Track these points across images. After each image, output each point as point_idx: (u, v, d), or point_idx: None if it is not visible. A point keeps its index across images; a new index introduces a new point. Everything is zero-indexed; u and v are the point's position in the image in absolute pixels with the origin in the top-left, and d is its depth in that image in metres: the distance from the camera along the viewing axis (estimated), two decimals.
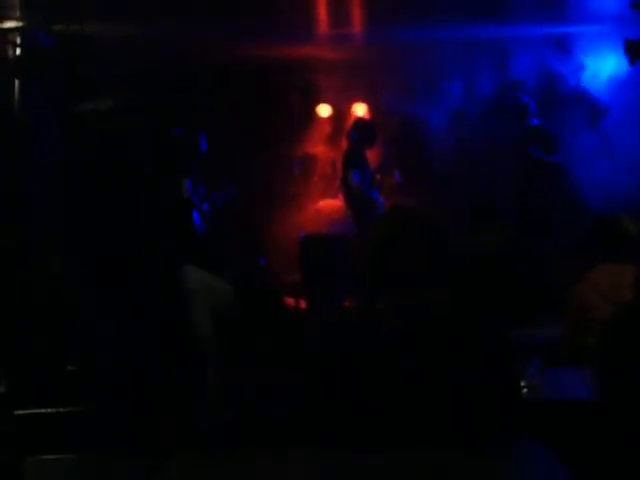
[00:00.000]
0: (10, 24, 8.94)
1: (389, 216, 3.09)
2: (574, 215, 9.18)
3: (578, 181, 9.48)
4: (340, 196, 10.38)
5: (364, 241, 9.17)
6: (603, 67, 9.67)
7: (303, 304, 8.97)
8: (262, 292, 6.21)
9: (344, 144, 10.33)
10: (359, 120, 10.44)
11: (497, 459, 2.59)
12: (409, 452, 2.55)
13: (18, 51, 9.13)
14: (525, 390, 3.90)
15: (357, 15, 9.29)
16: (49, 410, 3.20)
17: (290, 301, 8.81)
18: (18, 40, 9.07)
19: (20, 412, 3.16)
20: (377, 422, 2.70)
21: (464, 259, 5.97)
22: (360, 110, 11.16)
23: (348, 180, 9.76)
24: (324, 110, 11.16)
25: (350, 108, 11.18)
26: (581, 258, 5.25)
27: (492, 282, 5.87)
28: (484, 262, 6.06)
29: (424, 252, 2.86)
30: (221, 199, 10.03)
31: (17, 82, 9.13)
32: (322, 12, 9.09)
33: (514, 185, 9.76)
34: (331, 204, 10.63)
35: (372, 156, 10.17)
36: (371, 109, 11.14)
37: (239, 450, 2.71)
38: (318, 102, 11.10)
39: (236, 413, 4.46)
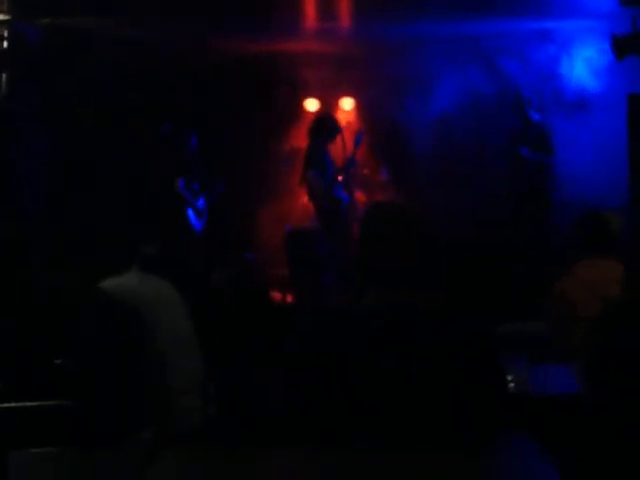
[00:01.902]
0: None
1: (375, 212, 3.07)
2: (559, 210, 9.23)
3: (567, 177, 9.51)
4: None
5: (330, 238, 9.25)
6: (590, 62, 9.68)
7: (290, 299, 8.97)
8: (251, 288, 6.19)
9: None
10: (319, 115, 10.32)
11: (486, 454, 2.60)
12: (404, 451, 2.56)
13: (5, 44, 9.10)
14: (512, 385, 3.90)
15: (345, 9, 9.27)
16: (33, 403, 3.19)
17: (277, 296, 8.81)
18: (5, 33, 9.05)
19: (3, 405, 3.15)
20: (362, 419, 2.70)
21: (459, 254, 5.98)
22: (347, 105, 11.16)
23: (307, 178, 9.62)
24: (312, 105, 11.14)
25: (338, 103, 11.17)
26: (567, 253, 5.27)
27: (483, 277, 5.88)
28: (479, 257, 6.07)
29: (411, 248, 2.86)
30: (209, 198, 10.07)
31: (4, 75, 9.12)
32: (310, 6, 9.08)
33: (508, 183, 9.80)
34: None
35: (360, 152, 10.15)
36: (359, 104, 11.15)
37: (239, 450, 2.69)
38: (306, 97, 11.09)
39: (232, 412, 4.46)
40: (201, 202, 9.98)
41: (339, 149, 9.84)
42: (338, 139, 9.78)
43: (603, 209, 5.20)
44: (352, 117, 11.13)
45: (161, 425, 3.86)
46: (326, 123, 9.73)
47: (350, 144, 9.92)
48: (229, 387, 4.63)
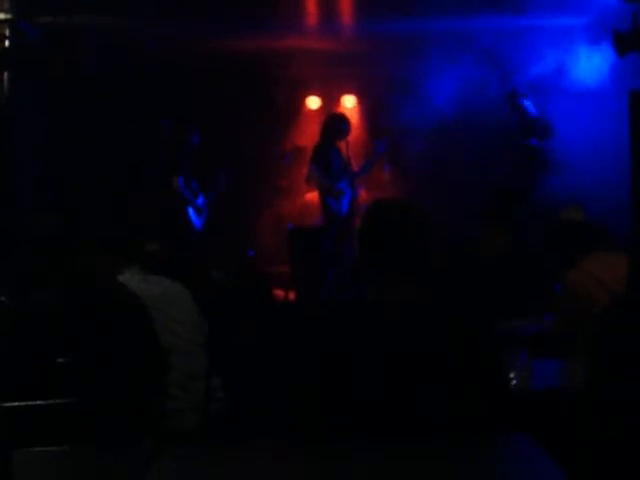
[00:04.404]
0: None
1: (377, 207, 3.08)
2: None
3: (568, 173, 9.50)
4: None
5: (333, 235, 9.29)
6: (592, 58, 9.67)
7: (292, 295, 8.99)
8: (253, 285, 6.20)
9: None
10: (332, 114, 10.39)
11: (487, 452, 2.60)
12: (404, 447, 2.56)
13: (7, 43, 9.10)
14: (514, 382, 3.90)
15: (347, 6, 9.27)
16: (38, 402, 3.19)
17: (280, 293, 8.83)
18: (7, 32, 9.05)
19: (8, 404, 3.15)
20: (364, 414, 2.70)
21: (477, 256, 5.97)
22: (349, 102, 11.17)
23: (310, 174, 9.77)
24: (313, 102, 11.16)
25: (339, 100, 11.18)
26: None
27: (490, 276, 5.86)
28: (496, 260, 6.05)
29: (412, 242, 2.87)
30: (209, 195, 10.08)
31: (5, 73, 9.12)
32: (312, 3, 9.08)
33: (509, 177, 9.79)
34: None
35: None
36: (360, 101, 11.16)
37: (240, 447, 2.69)
38: (307, 94, 11.10)
39: (232, 409, 4.46)
40: (200, 199, 10.00)
41: (342, 147, 9.89)
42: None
43: (559, 212, 5.24)
44: (354, 114, 11.13)
45: (162, 422, 3.86)
46: (335, 121, 9.82)
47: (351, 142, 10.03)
48: (233, 382, 4.64)
